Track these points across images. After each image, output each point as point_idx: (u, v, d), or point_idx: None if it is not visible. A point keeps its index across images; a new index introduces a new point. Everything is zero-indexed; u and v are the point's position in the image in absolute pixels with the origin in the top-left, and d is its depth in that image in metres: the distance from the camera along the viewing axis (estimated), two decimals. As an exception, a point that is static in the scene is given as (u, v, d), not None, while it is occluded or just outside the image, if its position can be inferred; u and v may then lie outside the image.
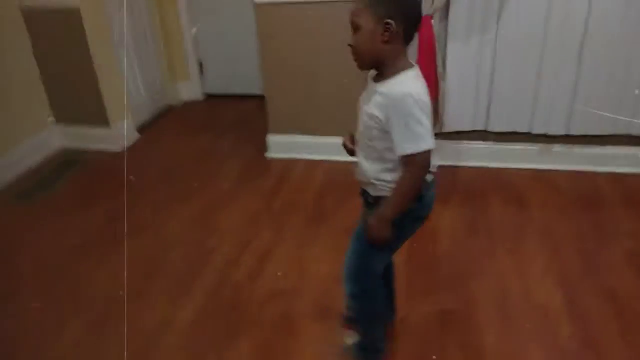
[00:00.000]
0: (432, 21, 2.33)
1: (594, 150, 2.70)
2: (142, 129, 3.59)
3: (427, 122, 1.19)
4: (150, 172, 3.05)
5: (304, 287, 2.03)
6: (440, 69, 2.48)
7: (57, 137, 3.33)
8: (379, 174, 1.30)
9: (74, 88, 3.15)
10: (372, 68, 1.25)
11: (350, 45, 1.20)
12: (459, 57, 2.52)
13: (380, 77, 1.22)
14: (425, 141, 1.19)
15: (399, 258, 2.15)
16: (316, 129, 2.93)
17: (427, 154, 1.21)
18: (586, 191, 2.59)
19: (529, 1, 2.38)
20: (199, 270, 2.16)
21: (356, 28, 1.16)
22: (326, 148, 2.78)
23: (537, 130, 2.66)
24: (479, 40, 2.48)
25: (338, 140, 2.63)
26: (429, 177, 1.31)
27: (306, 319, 1.87)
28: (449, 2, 2.37)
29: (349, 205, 2.56)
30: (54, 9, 2.93)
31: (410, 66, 1.23)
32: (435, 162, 1.30)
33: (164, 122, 3.81)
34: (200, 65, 4.08)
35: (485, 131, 2.74)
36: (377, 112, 1.21)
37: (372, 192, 1.36)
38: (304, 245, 2.29)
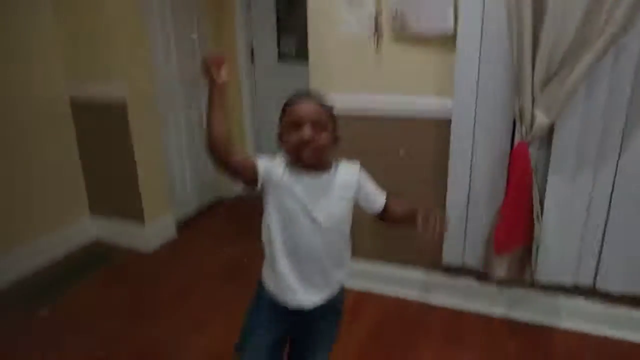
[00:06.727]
0: (530, 149, 1.81)
1: None
2: (183, 225, 3.26)
3: None
4: (173, 283, 2.64)
5: None
6: (536, 208, 1.91)
7: (92, 229, 3.08)
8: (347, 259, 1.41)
9: (113, 180, 2.91)
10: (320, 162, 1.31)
11: (307, 140, 1.23)
12: (562, 193, 1.94)
13: (318, 169, 1.31)
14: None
15: None
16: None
17: None
18: None
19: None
20: None
21: (323, 129, 1.27)
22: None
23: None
24: (592, 174, 1.90)
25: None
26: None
27: None
28: (553, 127, 1.84)
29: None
30: (100, 99, 2.74)
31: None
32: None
33: (209, 220, 3.47)
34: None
35: (592, 288, 2.08)
36: (349, 192, 1.35)
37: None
38: None
